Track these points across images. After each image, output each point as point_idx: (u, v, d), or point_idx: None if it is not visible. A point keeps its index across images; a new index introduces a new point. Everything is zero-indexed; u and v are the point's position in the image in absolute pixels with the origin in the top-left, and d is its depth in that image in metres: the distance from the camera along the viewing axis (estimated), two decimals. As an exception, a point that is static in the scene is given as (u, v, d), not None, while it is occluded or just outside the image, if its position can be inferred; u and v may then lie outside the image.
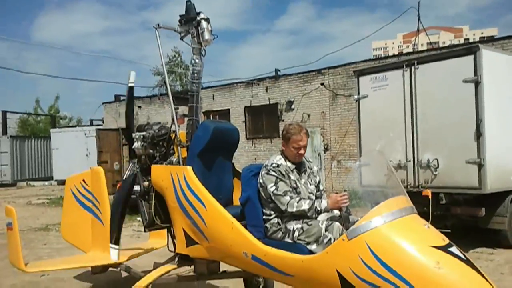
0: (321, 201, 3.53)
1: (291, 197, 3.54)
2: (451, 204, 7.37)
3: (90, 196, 5.55)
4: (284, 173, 3.63)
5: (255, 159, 19.32)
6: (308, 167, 3.87)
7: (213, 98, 21.69)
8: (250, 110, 20.32)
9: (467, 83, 7.01)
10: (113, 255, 4.54)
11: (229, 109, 20.91)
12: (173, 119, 4.54)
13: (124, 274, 5.81)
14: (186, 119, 4.60)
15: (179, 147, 4.44)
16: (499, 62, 7.33)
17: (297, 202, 3.50)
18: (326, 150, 17.59)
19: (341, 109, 17.52)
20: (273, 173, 3.61)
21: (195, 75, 4.54)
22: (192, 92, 4.54)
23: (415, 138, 7.59)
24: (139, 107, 24.70)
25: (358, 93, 8.50)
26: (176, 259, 4.44)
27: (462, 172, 6.95)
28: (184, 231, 4.17)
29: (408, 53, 18.83)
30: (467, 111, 7.01)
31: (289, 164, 3.71)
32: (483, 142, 6.81)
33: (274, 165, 3.65)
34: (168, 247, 4.77)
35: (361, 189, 3.83)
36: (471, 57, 7.01)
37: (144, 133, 4.61)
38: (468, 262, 2.91)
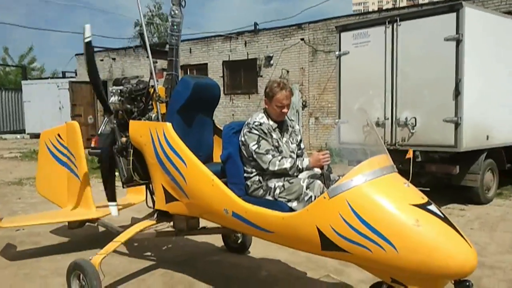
0: (303, 160, 3.51)
1: (273, 156, 3.51)
2: (427, 162, 7.48)
3: (66, 151, 5.43)
4: (266, 131, 3.58)
5: (233, 115, 19.23)
6: (290, 126, 3.83)
7: (190, 52, 21.22)
8: (228, 65, 20.00)
9: (448, 41, 6.98)
10: (113, 211, 4.61)
11: (206, 64, 20.56)
12: (151, 73, 4.39)
13: (102, 229, 5.80)
14: (165, 73, 4.46)
15: (158, 103, 4.33)
16: (481, 20, 7.29)
17: (279, 161, 3.48)
18: (304, 106, 17.58)
19: (321, 65, 17.41)
20: (255, 132, 3.56)
21: (175, 27, 4.37)
22: (172, 45, 4.38)
23: (394, 96, 7.59)
24: (113, 59, 24.05)
25: (340, 50, 8.39)
26: (155, 215, 4.41)
27: (439, 131, 7.04)
28: (163, 187, 4.13)
29: (388, 9, 18.66)
30: (446, 69, 7.00)
31: (271, 122, 3.66)
32: (461, 101, 6.87)
33: (256, 123, 3.59)
34: (146, 203, 4.75)
35: (342, 147, 3.82)
36: (454, 14, 6.94)
37: (121, 87, 4.47)
38: (446, 220, 2.95)
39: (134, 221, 5.57)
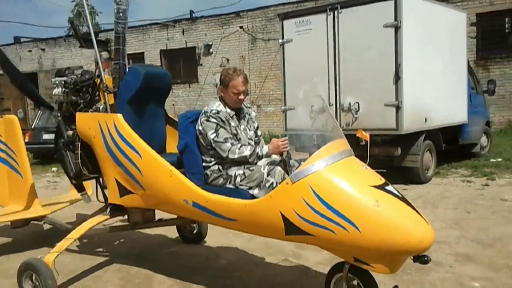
0: (262, 147, 3.52)
1: (232, 144, 3.49)
2: (370, 145, 7.73)
3: (4, 147, 5.12)
4: (224, 119, 3.55)
5: (174, 105, 18.91)
6: (247, 113, 3.83)
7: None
8: (166, 54, 19.59)
9: (387, 28, 7.23)
10: (85, 199, 4.56)
11: (143, 53, 20.04)
12: (97, 63, 4.22)
13: (47, 227, 5.55)
14: (112, 63, 4.29)
15: (105, 93, 4.17)
16: (418, 7, 7.59)
17: (239, 149, 3.47)
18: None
19: (261, 54, 17.50)
20: (213, 120, 3.52)
21: (121, 14, 4.20)
22: (118, 33, 4.22)
23: (337, 82, 7.79)
24: (43, 49, 22.86)
25: (283, 37, 8.47)
26: (108, 209, 4.27)
27: (381, 115, 7.30)
28: (116, 181, 3.99)
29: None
30: (386, 55, 7.26)
31: (228, 110, 3.63)
32: (401, 86, 7.16)
33: (214, 111, 3.55)
34: (97, 197, 4.58)
35: (300, 134, 3.86)
36: (392, 2, 7.19)
37: (65, 78, 4.25)
38: (403, 199, 3.08)
39: (80, 217, 5.38)
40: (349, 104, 7.64)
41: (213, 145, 3.50)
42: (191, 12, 19.76)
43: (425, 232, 2.90)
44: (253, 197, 3.37)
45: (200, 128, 3.58)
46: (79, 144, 4.19)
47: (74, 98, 4.23)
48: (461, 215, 5.91)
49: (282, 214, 3.07)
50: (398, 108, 7.19)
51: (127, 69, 4.27)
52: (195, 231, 5.12)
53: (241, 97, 3.62)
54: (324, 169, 3.05)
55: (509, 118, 13.60)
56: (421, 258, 2.95)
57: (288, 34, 8.39)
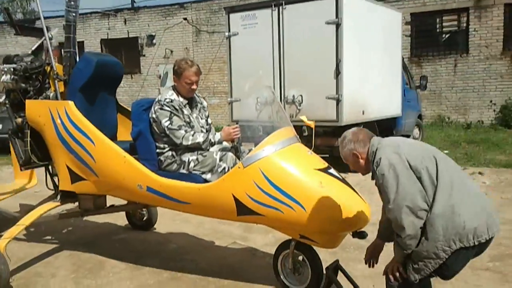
0: (215, 134, 3.71)
1: (186, 131, 3.64)
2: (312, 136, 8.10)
3: None
4: (177, 108, 3.70)
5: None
6: (199, 102, 3.99)
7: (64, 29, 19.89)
8: (107, 43, 19.16)
9: (329, 25, 7.59)
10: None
11: (83, 42, 19.46)
12: (47, 50, 4.24)
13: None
14: (62, 51, 4.31)
15: (56, 81, 4.19)
16: (357, 6, 8.00)
17: (192, 136, 3.63)
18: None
19: (205, 46, 17.55)
20: (167, 108, 3.66)
21: (72, 3, 4.22)
22: (69, 21, 4.25)
23: (282, 75, 8.07)
24: (-28, 36, 21.61)
25: (229, 30, 8.65)
26: (58, 196, 4.30)
27: (322, 107, 7.67)
28: (68, 167, 4.04)
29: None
30: (328, 51, 7.62)
31: (181, 99, 3.78)
32: (341, 80, 7.56)
33: (167, 100, 3.68)
34: (46, 185, 4.58)
35: (249, 123, 4.07)
36: (333, 0, 7.56)
37: (14, 65, 4.22)
38: (344, 181, 3.40)
39: (23, 207, 5.35)
40: (293, 96, 7.96)
41: (167, 132, 3.65)
42: (132, 1, 19.47)
43: (363, 210, 3.23)
44: (205, 181, 3.56)
45: (154, 116, 3.71)
46: (28, 131, 4.19)
47: (23, 85, 4.22)
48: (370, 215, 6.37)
49: (234, 196, 3.29)
50: (338, 101, 7.59)
51: (78, 57, 4.30)
52: (144, 218, 5.22)
53: (194, 86, 3.78)
54: (273, 154, 3.30)
55: (439, 112, 14.56)
56: (359, 234, 3.28)
57: (234, 27, 8.58)
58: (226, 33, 8.71)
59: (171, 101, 3.70)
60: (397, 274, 2.56)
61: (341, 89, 7.57)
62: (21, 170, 4.46)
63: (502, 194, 6.36)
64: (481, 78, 14.00)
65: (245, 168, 3.27)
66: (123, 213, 5.37)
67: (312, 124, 3.79)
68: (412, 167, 2.40)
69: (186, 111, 3.79)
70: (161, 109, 3.67)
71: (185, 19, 17.86)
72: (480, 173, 7.66)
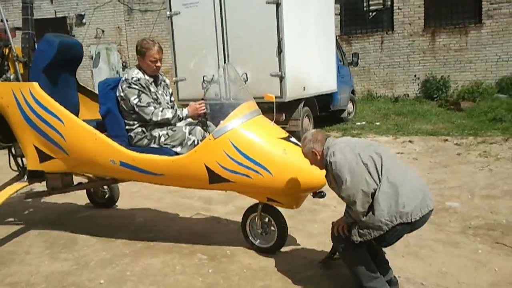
0: (182, 110, 3.96)
1: (154, 107, 3.86)
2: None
3: None
4: (144, 85, 3.89)
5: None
6: (162, 80, 4.20)
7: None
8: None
9: (269, 4, 7.90)
10: None
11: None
12: (6, 32, 4.24)
13: None
14: (20, 32, 4.33)
15: (16, 63, 4.23)
16: (295, -14, 8.39)
17: (161, 112, 3.86)
18: (124, 67, 17.35)
19: (138, 25, 17.30)
20: (135, 86, 3.84)
21: (28, -16, 4.25)
22: (26, 3, 4.30)
23: (226, 54, 8.32)
24: None
25: (170, 10, 8.72)
26: (25, 176, 4.37)
27: (267, 84, 8.01)
28: (36, 147, 4.12)
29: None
30: (269, 30, 7.94)
31: (147, 77, 3.97)
32: (283, 58, 7.94)
33: (135, 78, 3.87)
34: (10, 166, 4.61)
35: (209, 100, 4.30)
36: (273, -20, 7.88)
37: (-29, 47, 4.20)
38: (304, 148, 3.79)
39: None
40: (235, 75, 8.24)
41: (136, 109, 3.85)
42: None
43: (321, 172, 3.64)
44: (176, 154, 3.82)
45: (122, 94, 3.89)
46: (-10, 114, 4.21)
47: (-19, 67, 4.21)
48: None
49: (206, 166, 3.59)
50: (281, 78, 7.99)
51: (35, 39, 4.35)
52: (106, 196, 5.37)
53: (158, 64, 3.97)
54: (240, 126, 3.63)
55: (369, 87, 15.48)
56: (318, 194, 3.71)
57: (175, 7, 8.65)
58: (168, 12, 8.77)
59: (138, 79, 3.89)
60: (341, 231, 3.07)
61: (283, 67, 7.96)
62: (-17, 153, 4.46)
63: (431, 158, 7.12)
64: (406, 54, 15.02)
65: (215, 139, 3.57)
66: (83, 193, 5.50)
67: (273, 98, 4.13)
68: (361, 156, 2.88)
69: (153, 88, 3.99)
70: (129, 87, 3.85)
71: (116, -3, 17.43)
72: (410, 141, 8.44)
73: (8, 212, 5.23)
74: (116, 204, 5.43)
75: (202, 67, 8.46)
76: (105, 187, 5.28)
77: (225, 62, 8.33)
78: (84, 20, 17.79)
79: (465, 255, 3.75)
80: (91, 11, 17.70)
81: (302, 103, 8.73)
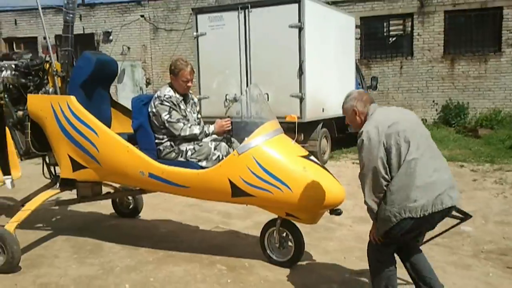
0: (209, 126, 4.20)
1: (183, 124, 4.11)
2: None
3: None
4: (175, 103, 4.15)
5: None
6: (191, 99, 4.45)
7: (16, 24, 19.50)
8: (61, 40, 18.90)
9: (292, 28, 8.22)
10: (8, 184, 4.68)
11: (36, 37, 19.15)
12: (47, 49, 4.57)
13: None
14: (62, 49, 4.64)
15: (55, 77, 4.53)
16: (317, 11, 8.69)
17: (189, 128, 4.10)
18: (148, 84, 17.79)
19: (163, 43, 17.77)
20: (167, 103, 4.10)
21: (70, 5, 4.58)
22: (67, 22, 4.60)
23: (248, 75, 8.62)
24: None
25: (197, 31, 9.08)
26: (57, 184, 4.63)
27: (287, 104, 8.27)
28: (70, 157, 4.38)
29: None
30: (291, 52, 8.26)
31: (178, 95, 4.23)
32: (304, 80, 8.21)
33: (167, 96, 4.13)
34: (43, 174, 4.89)
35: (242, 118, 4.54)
36: (296, 5, 8.19)
37: (15, 62, 4.52)
38: (323, 166, 3.99)
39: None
40: (257, 95, 8.50)
41: (167, 125, 4.10)
42: (83, -3, 19.42)
43: (339, 191, 3.83)
44: (201, 168, 4.04)
45: (154, 110, 4.15)
46: (29, 124, 4.50)
47: (23, 81, 4.52)
48: (354, 189, 7.05)
49: (230, 180, 3.81)
50: (301, 99, 8.23)
51: (73, 55, 4.66)
52: (131, 206, 5.61)
53: (189, 84, 4.24)
54: (263, 143, 3.84)
55: (386, 111, 15.58)
56: (335, 211, 3.89)
57: (202, 28, 9.02)
58: (194, 33, 9.13)
59: (170, 97, 4.15)
60: (372, 237, 3.12)
61: (304, 88, 8.22)
62: (20, 160, 4.75)
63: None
64: (425, 79, 15.15)
65: (239, 155, 3.79)
66: (107, 204, 5.75)
67: (295, 118, 4.34)
68: (386, 144, 2.83)
69: (182, 106, 4.25)
70: (161, 104, 4.11)
71: (142, 16, 17.99)
72: (426, 165, 8.54)
73: (37, 218, 5.46)
74: (139, 215, 5.65)
75: (225, 87, 8.76)
76: (130, 198, 5.52)
77: (247, 82, 8.63)
78: (111, 37, 18.35)
79: (476, 277, 3.87)
80: (118, 28, 18.26)
81: (321, 124, 8.94)
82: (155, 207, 6.01)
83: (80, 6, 18.91)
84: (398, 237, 2.94)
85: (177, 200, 6.14)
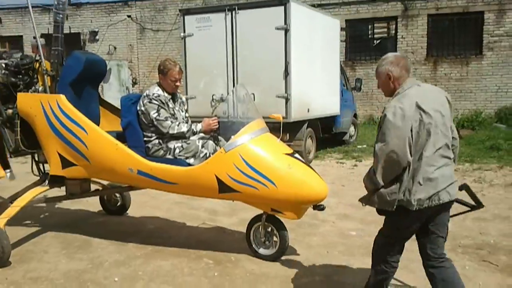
0: (196, 125, 4.32)
1: (171, 122, 4.22)
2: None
3: None
4: (164, 101, 4.26)
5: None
6: (179, 98, 4.57)
7: (1, 22, 19.38)
8: (48, 38, 18.71)
9: (278, 30, 8.36)
10: (9, 176, 4.86)
11: (21, 36, 19.07)
12: (38, 48, 4.63)
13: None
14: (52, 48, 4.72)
15: (45, 76, 4.60)
16: (303, 14, 8.85)
17: (177, 126, 4.22)
18: (134, 83, 17.82)
19: (149, 43, 17.84)
20: (155, 102, 4.21)
21: (60, 5, 4.68)
22: (57, 22, 4.70)
23: (235, 75, 8.74)
24: None
25: (184, 31, 9.17)
26: (46, 181, 4.70)
27: (273, 105, 8.38)
28: (59, 154, 4.46)
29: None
30: (277, 54, 8.39)
31: (166, 94, 4.35)
32: (289, 81, 8.35)
33: (155, 95, 4.24)
34: (32, 171, 4.95)
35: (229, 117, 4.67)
36: (282, 7, 8.33)
37: (6, 61, 4.58)
38: (307, 164, 4.13)
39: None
40: (243, 95, 8.63)
41: (155, 123, 4.20)
42: (70, -4, 19.31)
43: (322, 187, 3.98)
44: (189, 165, 4.16)
45: (143, 108, 4.25)
46: (18, 122, 4.56)
47: (13, 79, 4.59)
48: (338, 187, 7.26)
49: (216, 177, 3.93)
50: (287, 100, 8.38)
51: (63, 55, 4.75)
52: (118, 204, 5.70)
53: (178, 83, 4.36)
54: (250, 141, 3.98)
55: (371, 112, 15.87)
56: (319, 206, 4.03)
57: (189, 28, 9.11)
58: (182, 34, 9.22)
59: (158, 95, 4.26)
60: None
61: (289, 89, 8.37)
62: (10, 157, 4.81)
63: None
64: (408, 81, 15.42)
65: (226, 152, 3.92)
66: (94, 201, 5.83)
67: (280, 117, 4.48)
68: (412, 128, 2.72)
69: (171, 104, 4.36)
70: (149, 102, 4.22)
71: (129, 16, 18.03)
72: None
73: (25, 215, 5.51)
74: (127, 212, 5.74)
75: (212, 87, 8.88)
76: (118, 195, 5.61)
77: (234, 83, 8.75)
78: (97, 37, 18.35)
79: (453, 270, 4.04)
80: (105, 28, 18.27)
81: (306, 124, 9.09)
82: (143, 204, 6.10)
83: (68, 6, 18.86)
84: (396, 230, 2.96)
85: (164, 198, 6.24)
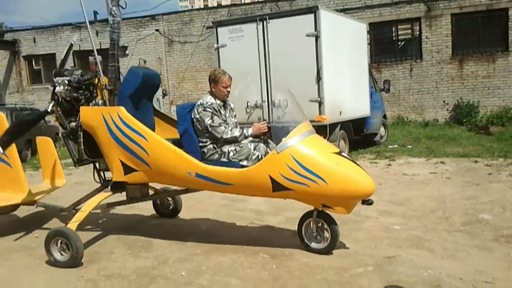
0: (248, 129, 4.64)
1: (225, 127, 4.55)
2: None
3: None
4: (216, 109, 4.61)
5: (90, 105, 18.98)
6: (229, 104, 4.90)
7: (35, 41, 20.20)
8: (79, 55, 19.54)
9: (309, 37, 8.68)
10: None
11: (54, 53, 19.83)
12: (97, 65, 5.03)
13: (23, 214, 6.14)
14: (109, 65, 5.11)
15: (104, 90, 4.99)
16: (332, 20, 9.15)
17: (230, 131, 4.55)
18: (164, 95, 18.34)
19: (177, 56, 18.35)
20: (209, 110, 4.56)
21: (115, 25, 5.07)
22: (113, 40, 5.08)
23: (268, 82, 9.08)
24: None
25: (217, 42, 9.57)
26: (109, 187, 5.07)
27: (306, 109, 8.58)
28: (121, 161, 4.83)
29: (236, 4, 20.35)
30: (309, 60, 8.71)
31: (218, 102, 4.69)
32: (322, 85, 8.65)
33: (209, 103, 4.59)
34: (94, 178, 5.33)
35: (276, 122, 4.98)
36: (312, 15, 8.66)
37: (68, 77, 4.99)
38: (354, 161, 4.40)
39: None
40: (279, 100, 8.94)
41: (210, 129, 4.54)
42: (95, 13, 20.08)
43: (370, 182, 4.24)
44: (243, 167, 4.47)
45: (198, 116, 4.60)
46: (81, 133, 4.96)
47: (75, 94, 4.99)
48: (375, 186, 7.46)
49: (270, 176, 4.23)
50: (320, 104, 8.66)
51: (119, 70, 5.13)
52: (171, 207, 6.05)
53: (228, 89, 4.70)
54: (300, 142, 4.27)
55: (399, 112, 16.00)
56: (367, 201, 4.28)
57: (222, 39, 9.51)
58: (215, 45, 9.62)
59: (211, 103, 4.61)
60: None
61: (322, 93, 8.65)
62: (75, 166, 5.21)
63: (463, 178, 7.60)
64: (435, 80, 15.54)
65: (278, 153, 4.22)
66: (146, 206, 6.19)
67: (326, 118, 4.75)
68: None
69: (223, 111, 4.70)
70: (204, 110, 4.57)
71: (157, 30, 18.60)
72: (442, 162, 8.93)
73: (84, 221, 5.91)
74: (179, 215, 6.09)
75: (246, 94, 9.22)
76: (170, 198, 5.96)
77: (267, 90, 9.08)
78: (127, 51, 18.95)
79: (498, 257, 4.24)
80: (134, 43, 18.87)
81: (339, 126, 9.35)
82: (191, 208, 6.43)
83: (96, 22, 19.58)
84: None
85: (210, 201, 6.59)
